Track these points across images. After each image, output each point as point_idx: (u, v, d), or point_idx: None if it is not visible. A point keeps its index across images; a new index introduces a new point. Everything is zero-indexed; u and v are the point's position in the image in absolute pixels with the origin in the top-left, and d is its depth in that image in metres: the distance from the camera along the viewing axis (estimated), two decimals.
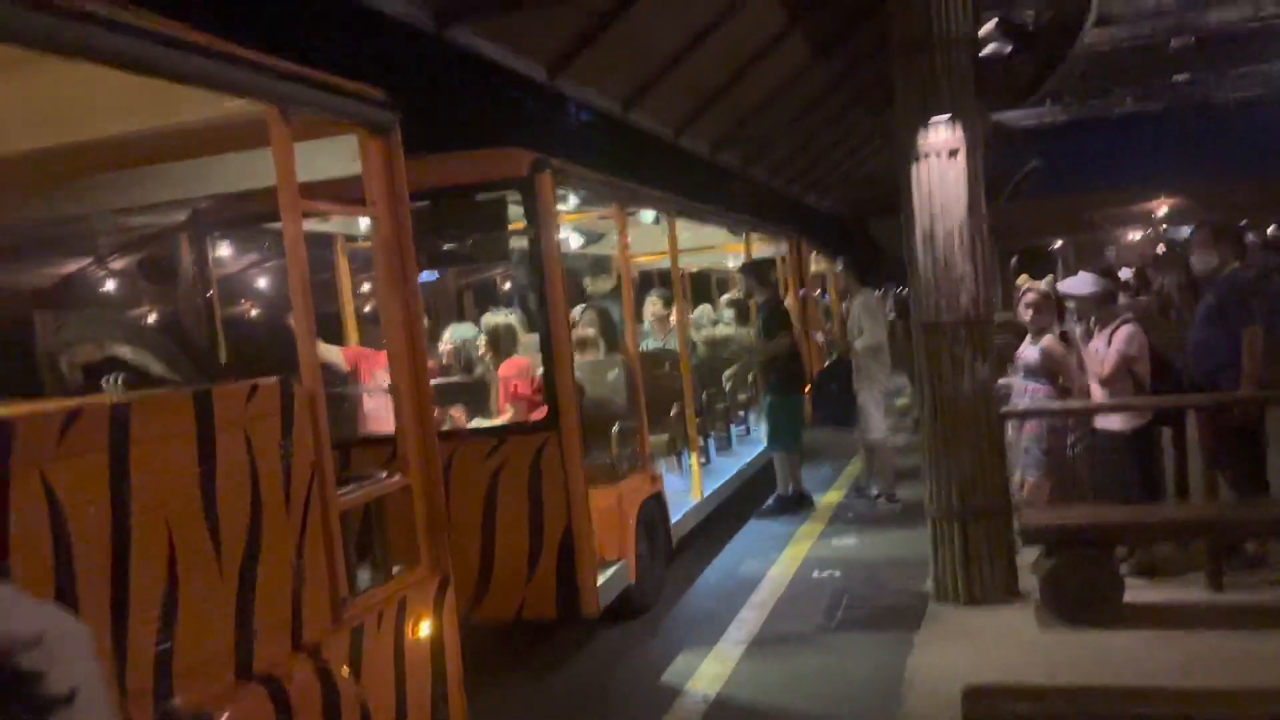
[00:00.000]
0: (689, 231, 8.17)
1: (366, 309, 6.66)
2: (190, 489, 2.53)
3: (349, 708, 2.84)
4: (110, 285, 12.25)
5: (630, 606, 5.66)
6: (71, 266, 14.15)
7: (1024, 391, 5.78)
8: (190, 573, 2.49)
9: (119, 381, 3.03)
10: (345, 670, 2.92)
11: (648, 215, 7.00)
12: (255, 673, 2.66)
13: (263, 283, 13.97)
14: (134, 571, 2.33)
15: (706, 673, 4.89)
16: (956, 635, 4.90)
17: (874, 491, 8.16)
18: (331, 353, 5.59)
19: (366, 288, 6.65)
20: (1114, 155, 23.29)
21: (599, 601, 5.16)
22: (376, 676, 3.09)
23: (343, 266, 6.39)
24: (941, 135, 5.15)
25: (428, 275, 6.57)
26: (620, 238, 6.42)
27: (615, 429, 5.88)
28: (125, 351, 3.01)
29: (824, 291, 15.24)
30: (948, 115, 5.14)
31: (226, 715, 2.44)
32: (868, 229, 21.58)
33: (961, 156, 5.15)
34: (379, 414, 5.50)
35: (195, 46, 2.64)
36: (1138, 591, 5.02)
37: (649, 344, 8.68)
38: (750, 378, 9.82)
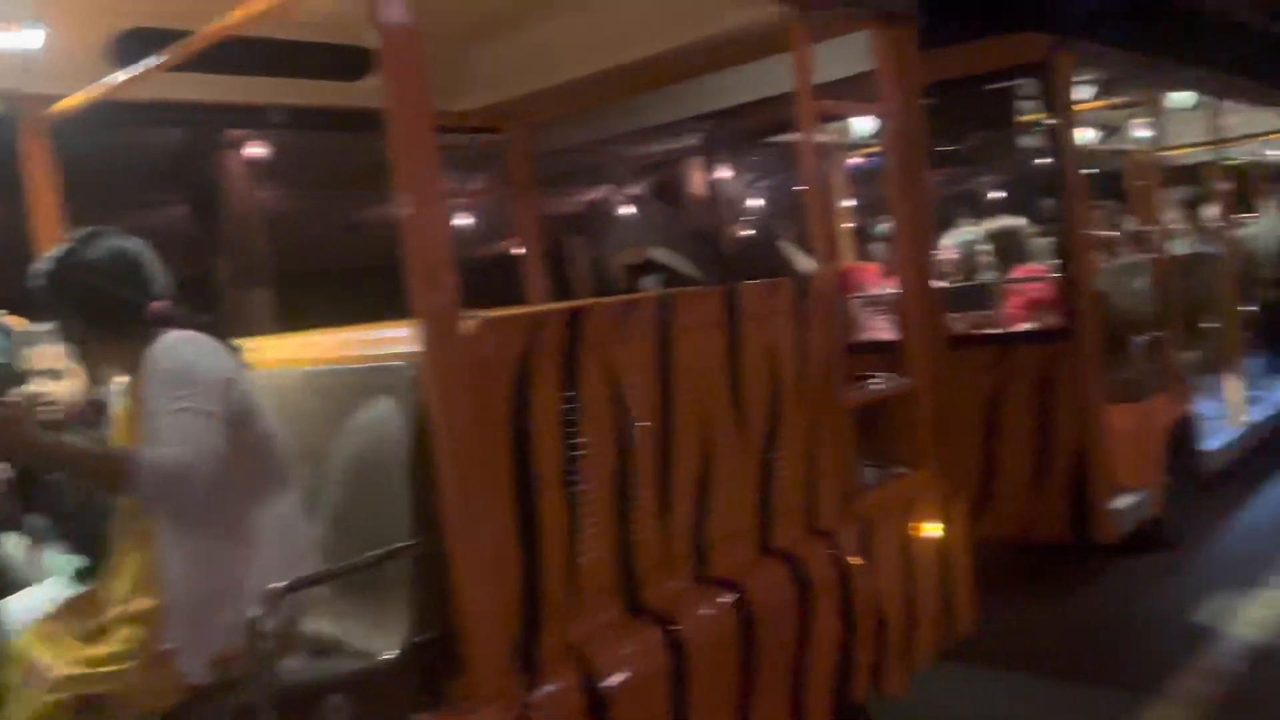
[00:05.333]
0: (1235, 117, 7.01)
1: (854, 225, 6.72)
2: (720, 375, 2.73)
3: (862, 591, 2.92)
4: (626, 210, 13.65)
5: (1153, 539, 5.11)
6: (594, 194, 15.96)
7: None
8: (720, 449, 2.70)
9: (656, 281, 3.36)
10: (857, 559, 3.00)
11: (1181, 100, 6.12)
12: (775, 548, 2.84)
13: (757, 201, 14.71)
14: (675, 443, 2.59)
15: (1249, 617, 4.30)
16: None
17: None
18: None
19: (853, 203, 6.75)
20: None
21: (1116, 528, 4.74)
22: (886, 571, 3.14)
23: (837, 179, 6.46)
24: None
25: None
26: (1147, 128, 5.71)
27: (1139, 342, 5.29)
28: (661, 254, 3.32)
29: None
30: None
31: (752, 581, 2.64)
32: None
33: None
34: (867, 324, 5.57)
35: None
36: None
37: (1183, 246, 7.63)
38: None
